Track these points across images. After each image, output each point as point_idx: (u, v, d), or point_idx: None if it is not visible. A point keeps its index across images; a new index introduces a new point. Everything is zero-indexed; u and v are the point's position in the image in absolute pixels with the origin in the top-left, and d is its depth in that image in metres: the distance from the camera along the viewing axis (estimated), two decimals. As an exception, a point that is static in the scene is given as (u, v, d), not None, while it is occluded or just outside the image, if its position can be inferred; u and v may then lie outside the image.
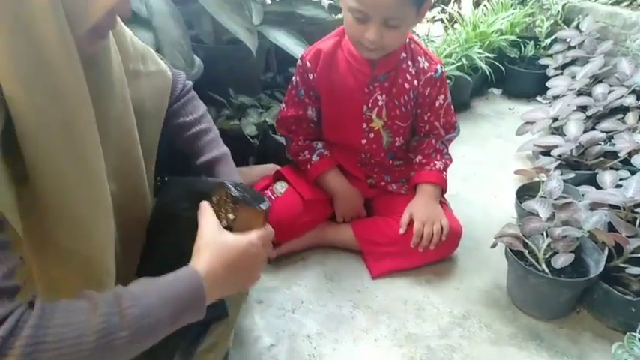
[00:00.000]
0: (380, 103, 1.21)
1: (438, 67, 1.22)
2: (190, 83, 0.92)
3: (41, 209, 0.55)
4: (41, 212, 0.55)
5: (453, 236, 1.23)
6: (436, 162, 1.27)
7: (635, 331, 0.91)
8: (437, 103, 1.25)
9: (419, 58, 1.21)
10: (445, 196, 1.34)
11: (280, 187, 1.26)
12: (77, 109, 0.54)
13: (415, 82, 1.21)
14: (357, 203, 1.31)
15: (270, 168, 1.41)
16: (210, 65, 1.57)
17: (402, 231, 1.20)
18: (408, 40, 1.21)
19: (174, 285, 0.58)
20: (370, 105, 1.22)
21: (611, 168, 1.45)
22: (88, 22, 0.53)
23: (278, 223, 1.18)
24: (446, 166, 1.28)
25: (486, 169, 1.67)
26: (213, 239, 0.64)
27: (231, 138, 1.48)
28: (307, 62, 1.22)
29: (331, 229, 1.30)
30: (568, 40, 2.10)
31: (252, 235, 0.67)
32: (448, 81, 1.86)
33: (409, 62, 1.21)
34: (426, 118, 1.26)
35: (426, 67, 1.21)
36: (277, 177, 1.31)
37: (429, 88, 1.22)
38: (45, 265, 0.59)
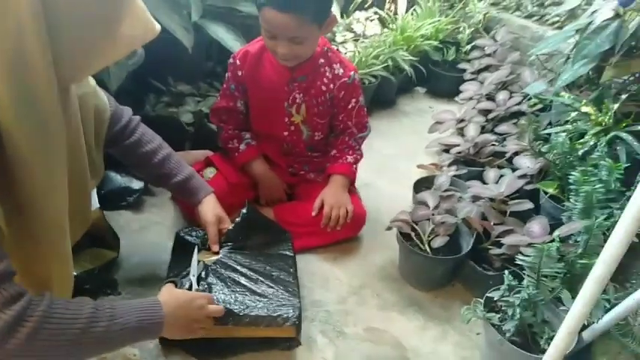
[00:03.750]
0: (298, 101, 1.39)
1: (352, 73, 1.41)
2: (138, 118, 1.11)
3: (24, 202, 0.71)
4: (25, 208, 0.72)
5: (357, 219, 1.43)
6: (348, 156, 1.47)
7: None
8: (350, 106, 1.43)
9: (334, 65, 1.39)
10: (358, 184, 1.54)
11: (209, 172, 1.43)
12: (56, 133, 0.70)
13: (331, 86, 1.39)
14: (279, 189, 1.49)
15: (204, 154, 1.57)
16: (152, 53, 1.67)
17: (313, 214, 1.40)
18: (326, 48, 1.38)
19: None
20: (290, 102, 1.39)
21: (499, 166, 1.70)
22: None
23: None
24: (356, 161, 1.48)
25: (398, 162, 1.89)
26: (169, 291, 0.99)
27: (169, 125, 1.62)
28: (237, 61, 1.38)
29: (255, 211, 1.48)
30: (484, 48, 2.35)
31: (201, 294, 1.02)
32: (374, 80, 2.07)
33: (326, 68, 1.39)
34: (340, 118, 1.45)
35: (340, 74, 1.39)
36: (207, 163, 1.47)
37: (343, 92, 1.41)
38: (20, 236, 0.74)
